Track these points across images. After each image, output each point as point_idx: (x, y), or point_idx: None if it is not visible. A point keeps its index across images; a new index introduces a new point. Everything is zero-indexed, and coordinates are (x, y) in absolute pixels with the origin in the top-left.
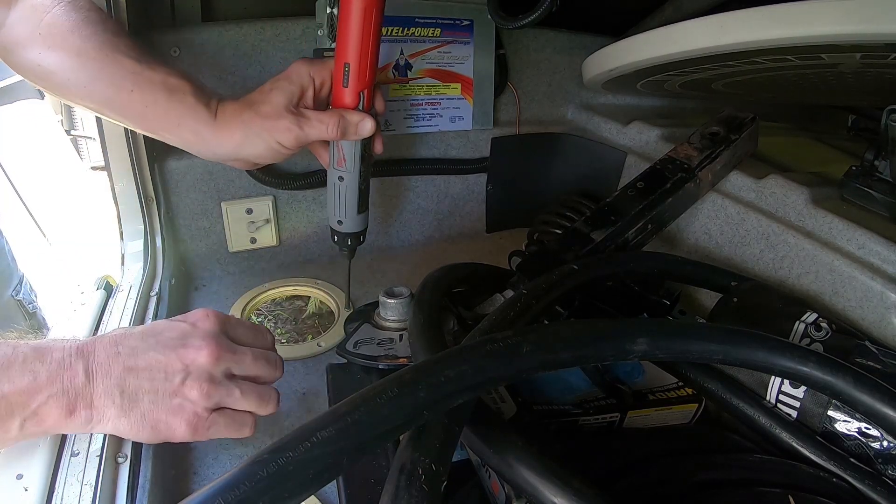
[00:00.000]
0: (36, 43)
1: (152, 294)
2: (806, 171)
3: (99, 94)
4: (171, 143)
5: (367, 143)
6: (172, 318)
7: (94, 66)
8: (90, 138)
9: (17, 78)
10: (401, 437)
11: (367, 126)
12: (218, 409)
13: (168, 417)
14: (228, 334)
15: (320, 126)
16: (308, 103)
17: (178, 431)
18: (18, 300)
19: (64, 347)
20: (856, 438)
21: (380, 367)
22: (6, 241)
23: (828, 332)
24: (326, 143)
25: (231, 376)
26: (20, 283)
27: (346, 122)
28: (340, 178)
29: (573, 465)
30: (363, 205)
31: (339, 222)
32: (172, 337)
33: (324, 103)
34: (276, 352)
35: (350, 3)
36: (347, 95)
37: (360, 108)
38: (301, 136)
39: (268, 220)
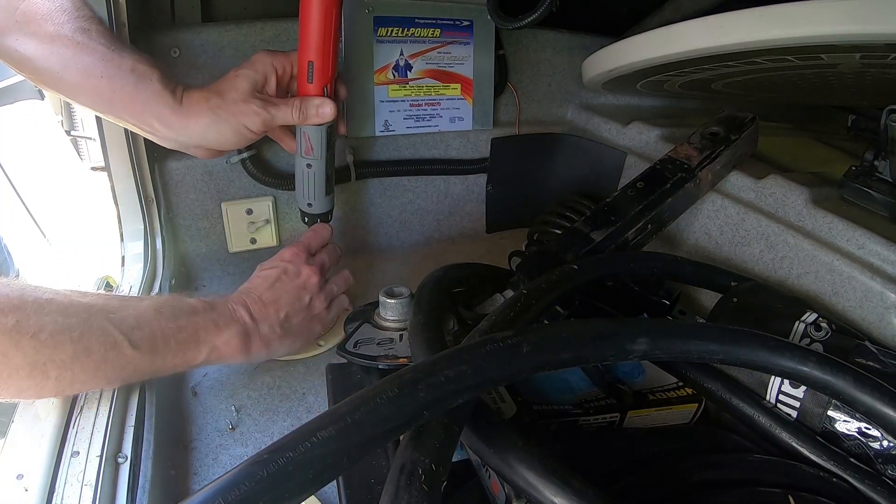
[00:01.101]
0: (13, 30)
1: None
2: (806, 171)
3: (70, 80)
4: (135, 130)
5: (331, 131)
6: (270, 264)
7: (66, 53)
8: (90, 139)
9: (18, 78)
10: (401, 437)
11: (327, 109)
12: (328, 304)
13: (311, 326)
14: (312, 253)
15: (286, 109)
16: (271, 91)
17: (317, 331)
18: None
19: (226, 302)
20: (856, 438)
21: (380, 367)
22: (0, 237)
23: (828, 332)
24: (289, 130)
25: (326, 280)
26: (16, 277)
27: (308, 105)
28: (309, 166)
29: (573, 465)
30: (330, 187)
31: (309, 205)
32: (287, 277)
33: (284, 91)
34: (337, 247)
35: (310, 5)
36: (312, 90)
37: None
38: (268, 120)
39: (268, 221)
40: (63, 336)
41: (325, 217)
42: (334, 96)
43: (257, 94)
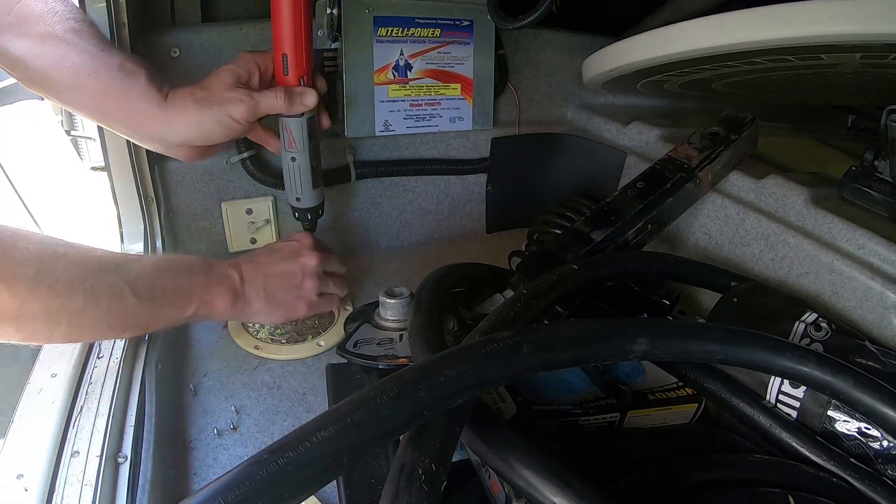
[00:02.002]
0: (6, 30)
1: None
2: (806, 171)
3: (60, 79)
4: (118, 130)
5: (312, 123)
6: (282, 240)
7: (57, 52)
8: (90, 138)
9: None
10: (401, 437)
11: (310, 97)
12: (320, 293)
13: (295, 302)
14: (318, 245)
15: (270, 96)
16: (254, 86)
17: (300, 311)
18: None
19: (222, 263)
20: (856, 438)
21: (380, 367)
22: None
23: (828, 332)
24: (273, 131)
25: (324, 272)
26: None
27: (292, 93)
28: (293, 159)
29: (573, 465)
30: (317, 181)
31: (298, 199)
32: (290, 252)
33: (267, 87)
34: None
35: (280, 1)
36: (289, 82)
37: None
38: (252, 107)
39: (268, 221)
40: (76, 286)
41: (315, 212)
42: (313, 87)
43: (241, 85)
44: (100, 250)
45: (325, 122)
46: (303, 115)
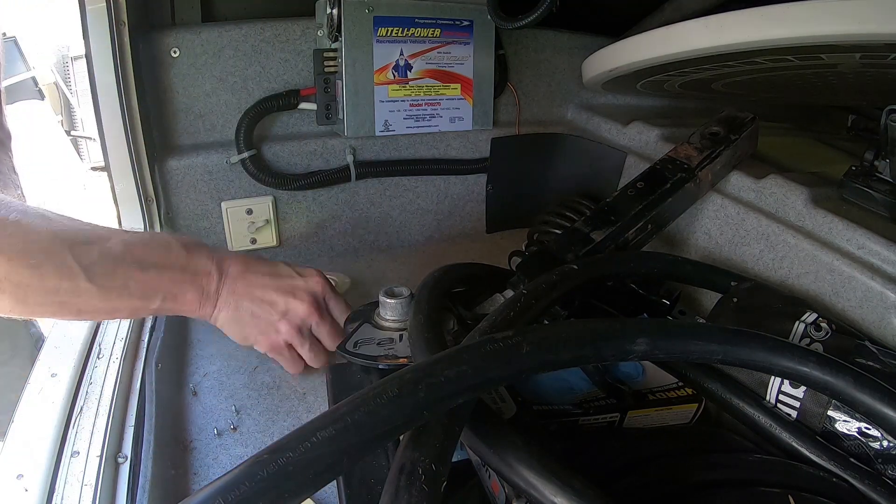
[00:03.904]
0: None
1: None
2: (806, 171)
3: None
4: None
5: None
6: (293, 266)
7: None
8: (90, 139)
9: (18, 78)
10: (401, 437)
11: None
12: (289, 345)
13: (258, 335)
14: (326, 300)
15: None
16: None
17: (261, 346)
18: None
19: (207, 255)
20: (856, 438)
21: (380, 367)
22: None
23: (828, 332)
24: None
25: (309, 330)
26: None
27: None
28: None
29: (573, 465)
30: None
31: None
32: (287, 284)
33: None
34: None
35: None
36: None
37: None
38: None
39: (268, 221)
40: (20, 260)
41: None
42: None
43: None
44: (62, 221)
45: None
46: None
